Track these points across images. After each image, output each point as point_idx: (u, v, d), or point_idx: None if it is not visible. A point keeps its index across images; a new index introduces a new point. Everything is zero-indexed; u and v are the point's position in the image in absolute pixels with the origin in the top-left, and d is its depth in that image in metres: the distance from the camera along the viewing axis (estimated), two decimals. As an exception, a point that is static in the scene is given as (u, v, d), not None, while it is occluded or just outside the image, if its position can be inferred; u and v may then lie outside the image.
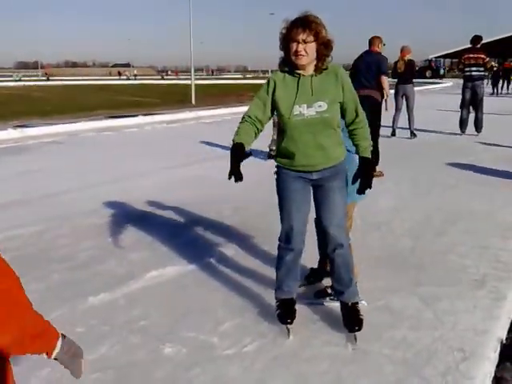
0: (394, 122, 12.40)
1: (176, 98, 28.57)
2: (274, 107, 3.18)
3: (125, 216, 6.10)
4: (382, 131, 11.98)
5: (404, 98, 12.21)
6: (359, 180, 3.20)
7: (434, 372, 2.97)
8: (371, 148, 3.26)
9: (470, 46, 12.48)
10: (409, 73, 11.85)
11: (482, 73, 12.53)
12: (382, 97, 8.15)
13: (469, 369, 3.00)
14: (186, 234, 5.37)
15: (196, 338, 3.36)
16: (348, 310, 3.40)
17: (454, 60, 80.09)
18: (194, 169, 8.88)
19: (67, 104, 24.84)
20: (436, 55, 71.08)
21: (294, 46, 3.02)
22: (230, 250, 4.88)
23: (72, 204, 6.73)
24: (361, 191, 3.22)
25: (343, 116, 3.25)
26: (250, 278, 4.26)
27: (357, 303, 3.42)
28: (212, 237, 5.30)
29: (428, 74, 61.45)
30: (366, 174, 3.20)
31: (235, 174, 3.00)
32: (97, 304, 3.89)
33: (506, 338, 3.51)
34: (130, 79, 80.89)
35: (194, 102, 25.51)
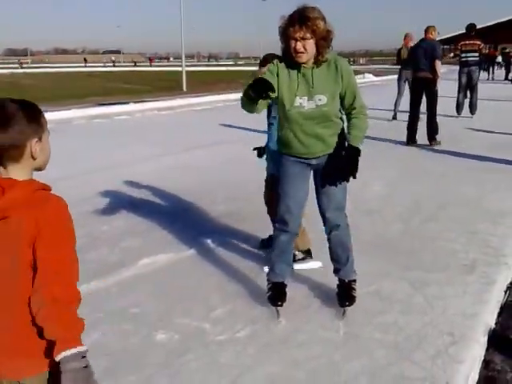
0: (395, 106, 12.92)
1: (167, 85, 28.44)
2: (278, 93, 3.16)
3: (117, 203, 6.09)
4: (384, 114, 12.05)
5: (407, 83, 12.51)
6: (344, 168, 3.21)
7: (424, 356, 3.00)
8: (362, 140, 3.28)
9: (463, 32, 12.74)
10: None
11: (477, 58, 12.92)
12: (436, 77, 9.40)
13: (458, 352, 3.04)
14: (178, 222, 5.38)
15: (188, 324, 3.39)
16: (343, 286, 3.58)
17: (446, 46, 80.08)
18: (187, 156, 8.86)
19: (58, 91, 24.65)
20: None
21: (293, 43, 3.03)
22: (223, 237, 4.90)
23: (64, 191, 6.54)
24: (345, 178, 3.25)
25: (341, 104, 3.28)
26: (242, 265, 4.29)
27: (353, 281, 3.57)
28: (204, 224, 5.31)
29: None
30: (351, 162, 3.20)
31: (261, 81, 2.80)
32: (89, 292, 3.89)
33: (495, 323, 3.55)
34: (106, 66, 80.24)
35: (185, 88, 25.41)
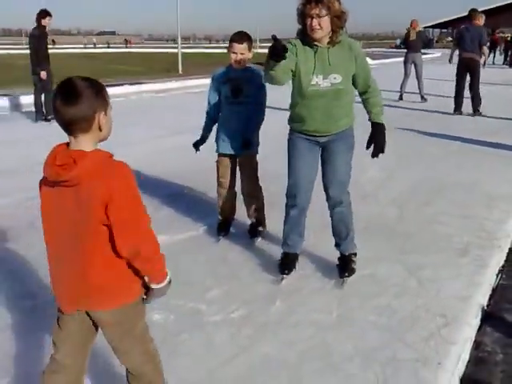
0: (401, 87, 13.56)
1: (163, 67, 28.24)
2: (295, 71, 3.33)
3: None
4: (391, 95, 12.65)
5: (413, 65, 13.26)
6: (372, 145, 3.47)
7: (417, 337, 3.05)
8: (382, 114, 3.48)
9: (462, 16, 13.12)
10: (418, 43, 13.27)
11: None
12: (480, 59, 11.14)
13: (450, 334, 3.08)
14: (174, 204, 5.38)
15: (184, 305, 3.41)
16: (344, 259, 3.81)
17: (444, 30, 79.68)
18: (182, 139, 8.75)
19: (53, 73, 24.43)
20: (425, 25, 70.56)
21: (309, 20, 3.19)
22: (218, 220, 4.90)
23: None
24: (374, 155, 3.50)
25: (355, 85, 3.46)
26: (237, 248, 4.31)
27: (353, 254, 3.81)
28: (199, 207, 5.31)
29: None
30: (378, 138, 3.47)
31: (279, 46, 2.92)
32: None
33: (487, 305, 3.60)
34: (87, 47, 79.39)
35: (180, 71, 25.24)
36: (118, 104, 14.12)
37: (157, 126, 10.00)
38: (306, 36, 3.30)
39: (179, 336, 3.07)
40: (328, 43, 3.29)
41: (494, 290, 3.80)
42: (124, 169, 1.87)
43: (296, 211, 3.68)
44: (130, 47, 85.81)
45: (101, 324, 2.03)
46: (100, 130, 1.89)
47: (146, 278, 2.02)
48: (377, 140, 3.47)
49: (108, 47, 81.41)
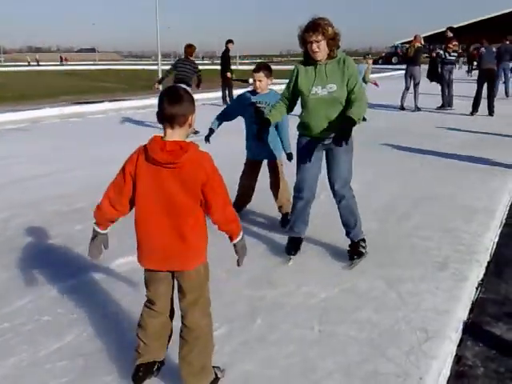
0: (402, 98, 14.95)
1: (143, 84, 28.22)
2: (297, 89, 4.11)
3: (92, 203, 5.99)
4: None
5: (412, 78, 14.61)
6: (336, 134, 3.86)
7: (398, 352, 3.05)
8: (358, 117, 3.88)
9: (440, 32, 14.14)
10: (417, 57, 14.53)
11: (455, 58, 15.28)
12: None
13: (431, 348, 3.09)
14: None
15: (164, 323, 3.37)
16: (353, 245, 4.39)
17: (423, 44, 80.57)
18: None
19: (31, 90, 24.28)
20: (402, 41, 71.44)
21: (309, 45, 3.92)
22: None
23: (38, 191, 6.63)
24: (336, 143, 3.82)
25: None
26: (217, 266, 4.27)
27: (362, 240, 4.40)
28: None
29: (394, 60, 61.88)
30: (344, 127, 3.83)
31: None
32: (63, 292, 3.87)
33: (467, 318, 3.62)
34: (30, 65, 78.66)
35: (161, 87, 25.23)
36: (97, 121, 14.13)
37: (137, 143, 9.93)
38: (308, 56, 4.02)
39: (160, 355, 3.03)
40: (326, 59, 3.99)
41: (473, 304, 3.83)
42: (210, 156, 2.48)
43: (302, 203, 4.33)
44: (66, 64, 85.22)
45: (184, 279, 2.55)
46: (190, 126, 2.49)
47: (230, 238, 2.62)
48: (343, 129, 3.80)
49: (38, 65, 79.70)
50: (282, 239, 4.85)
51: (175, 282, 2.63)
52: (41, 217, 5.59)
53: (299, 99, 4.22)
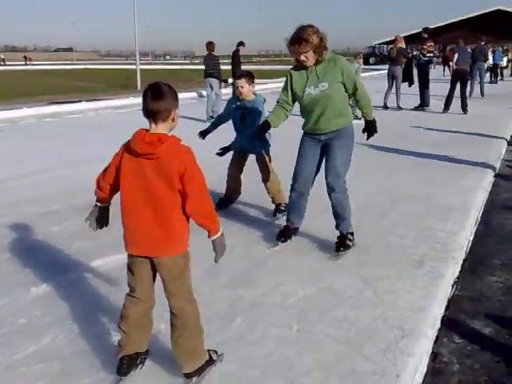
0: (385, 98, 15.27)
1: (121, 84, 28.04)
2: (293, 92, 4.44)
3: (69, 204, 6.00)
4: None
5: (394, 78, 15.04)
6: (366, 133, 4.63)
7: (375, 349, 3.08)
8: (372, 112, 4.56)
9: (415, 33, 14.24)
10: (398, 57, 14.89)
11: (430, 58, 15.47)
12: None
13: (408, 346, 3.12)
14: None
15: (142, 325, 3.35)
16: (341, 237, 4.55)
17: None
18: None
19: (7, 90, 23.95)
20: (379, 42, 71.82)
21: (298, 56, 4.23)
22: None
23: (14, 192, 6.56)
24: (369, 137, 4.64)
25: (347, 91, 4.37)
26: (196, 267, 4.27)
27: (350, 233, 4.58)
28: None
29: (372, 60, 62.18)
30: (370, 128, 4.60)
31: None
32: (40, 294, 3.83)
33: (443, 316, 3.67)
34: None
35: (139, 87, 25.10)
36: (75, 121, 14.00)
37: (114, 143, 9.86)
38: (299, 62, 4.31)
39: (138, 356, 3.02)
40: (315, 63, 4.27)
41: (449, 301, 3.88)
42: (191, 151, 2.58)
43: (295, 195, 4.62)
44: (31, 64, 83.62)
45: (161, 267, 2.65)
46: (173, 121, 2.61)
47: (207, 233, 2.67)
48: (369, 130, 4.59)
49: (4, 65, 78.04)
50: (261, 239, 4.89)
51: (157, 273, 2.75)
52: (17, 218, 5.52)
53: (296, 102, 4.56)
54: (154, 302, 2.84)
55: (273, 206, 5.63)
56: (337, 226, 4.58)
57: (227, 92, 17.11)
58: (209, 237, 2.69)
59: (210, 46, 13.39)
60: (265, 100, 5.50)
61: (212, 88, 13.61)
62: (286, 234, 4.75)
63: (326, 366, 2.92)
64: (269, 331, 3.30)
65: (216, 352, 2.94)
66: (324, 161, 4.52)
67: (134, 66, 29.20)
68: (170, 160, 2.50)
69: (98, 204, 2.91)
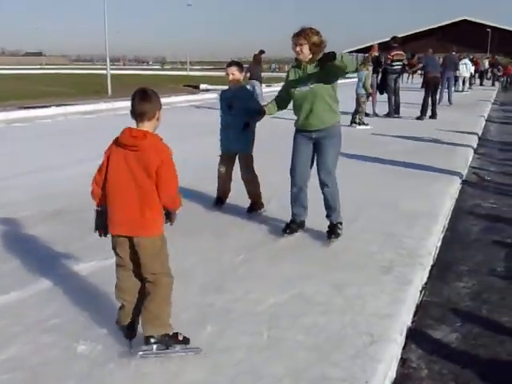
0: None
1: (92, 89, 27.76)
2: (289, 87, 4.87)
3: (37, 211, 5.90)
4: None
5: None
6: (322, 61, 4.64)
7: (344, 356, 3.10)
8: (341, 57, 4.44)
9: (383, 42, 14.39)
10: (374, 66, 15.08)
11: (399, 67, 15.46)
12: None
13: (377, 352, 3.16)
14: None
15: (111, 334, 3.31)
16: (332, 226, 4.98)
17: (366, 55, 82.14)
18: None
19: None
20: (349, 50, 72.50)
21: (294, 47, 4.67)
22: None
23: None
24: (322, 60, 4.58)
25: (334, 74, 4.68)
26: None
27: (339, 223, 5.00)
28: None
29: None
30: (326, 55, 4.53)
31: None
32: (6, 303, 3.76)
33: (412, 321, 3.72)
34: None
35: (110, 92, 24.91)
36: (44, 126, 13.80)
37: (84, 148, 9.78)
38: (297, 61, 4.79)
39: (106, 366, 2.99)
40: (309, 61, 4.67)
41: (417, 307, 3.94)
42: (169, 149, 2.94)
43: (295, 189, 4.98)
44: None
45: (140, 246, 2.96)
46: (157, 120, 3.01)
47: (170, 209, 3.07)
48: (325, 56, 4.56)
49: None
50: (231, 245, 4.88)
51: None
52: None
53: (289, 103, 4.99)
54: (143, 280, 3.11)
55: (245, 210, 5.78)
56: (328, 216, 4.98)
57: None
58: (170, 211, 3.08)
59: (257, 56, 16.24)
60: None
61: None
62: (291, 226, 5.07)
63: (296, 374, 2.94)
64: (239, 338, 3.30)
65: (185, 337, 3.14)
66: (316, 157, 4.88)
67: (104, 71, 28.93)
68: (150, 154, 2.87)
69: (97, 208, 3.12)
